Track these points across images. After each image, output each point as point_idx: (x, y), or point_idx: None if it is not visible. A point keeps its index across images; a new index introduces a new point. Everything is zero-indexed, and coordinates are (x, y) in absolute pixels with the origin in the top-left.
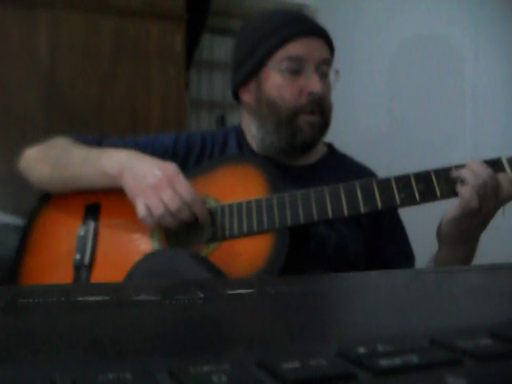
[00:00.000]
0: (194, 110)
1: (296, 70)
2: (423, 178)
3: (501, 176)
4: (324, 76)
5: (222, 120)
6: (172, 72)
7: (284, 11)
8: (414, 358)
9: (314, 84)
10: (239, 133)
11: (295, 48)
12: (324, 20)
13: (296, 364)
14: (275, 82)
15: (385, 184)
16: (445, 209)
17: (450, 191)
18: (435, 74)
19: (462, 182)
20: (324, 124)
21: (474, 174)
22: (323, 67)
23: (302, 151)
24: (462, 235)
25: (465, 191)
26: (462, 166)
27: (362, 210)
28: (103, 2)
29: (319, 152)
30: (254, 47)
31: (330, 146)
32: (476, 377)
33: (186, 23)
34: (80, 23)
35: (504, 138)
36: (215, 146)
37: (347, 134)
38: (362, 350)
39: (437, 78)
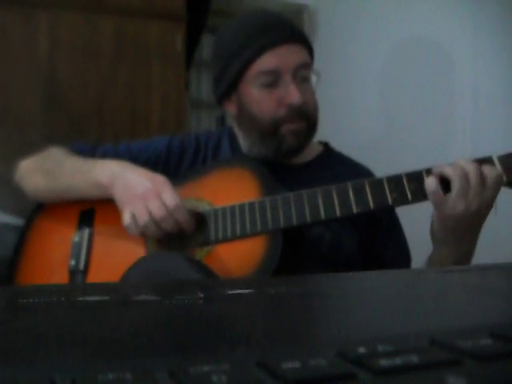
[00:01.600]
0: (194, 110)
1: (272, 82)
2: (415, 177)
3: (486, 168)
4: (304, 80)
5: (222, 120)
6: (172, 72)
7: (256, 18)
8: (414, 358)
9: (291, 95)
10: (232, 135)
11: (267, 61)
12: (323, 20)
13: (296, 364)
14: (253, 96)
15: (377, 184)
16: None
17: None
18: (434, 75)
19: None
20: (310, 128)
21: (454, 166)
22: (302, 72)
23: (289, 157)
24: (452, 235)
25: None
26: None
27: (355, 210)
28: (103, 1)
29: (315, 151)
30: (228, 61)
31: (326, 145)
32: (476, 377)
33: (185, 23)
34: (80, 23)
35: (504, 139)
36: (209, 146)
37: (344, 136)
38: (361, 349)
39: (435, 79)
